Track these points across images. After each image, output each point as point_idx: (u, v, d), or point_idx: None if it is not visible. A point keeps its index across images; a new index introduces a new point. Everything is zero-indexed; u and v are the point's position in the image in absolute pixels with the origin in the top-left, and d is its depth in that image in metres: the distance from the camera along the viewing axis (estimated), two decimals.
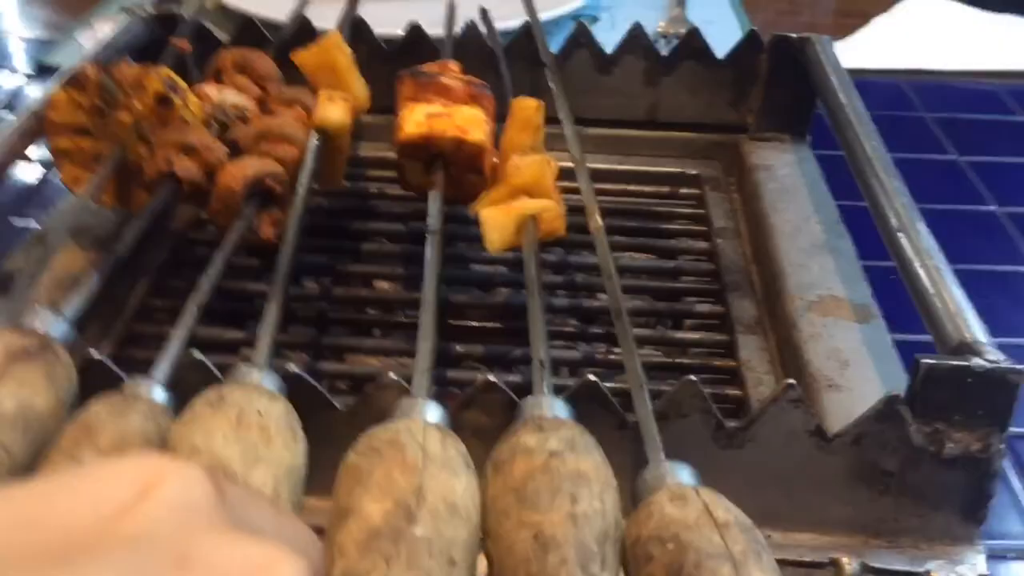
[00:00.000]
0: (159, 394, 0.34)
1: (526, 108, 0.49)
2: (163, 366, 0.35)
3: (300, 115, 0.52)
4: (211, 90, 0.51)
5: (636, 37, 0.64)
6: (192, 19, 0.62)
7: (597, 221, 0.45)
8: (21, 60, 0.86)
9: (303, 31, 0.64)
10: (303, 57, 0.53)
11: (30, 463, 0.31)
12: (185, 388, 0.36)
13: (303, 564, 0.20)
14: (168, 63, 0.56)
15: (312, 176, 0.47)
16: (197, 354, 0.37)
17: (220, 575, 0.19)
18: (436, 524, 0.29)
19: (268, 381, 0.34)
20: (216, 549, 0.19)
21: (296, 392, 0.37)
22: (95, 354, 0.36)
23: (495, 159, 0.51)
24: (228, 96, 0.52)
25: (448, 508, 0.29)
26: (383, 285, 0.56)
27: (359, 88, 0.54)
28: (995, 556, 0.41)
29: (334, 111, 0.50)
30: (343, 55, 0.53)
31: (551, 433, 0.31)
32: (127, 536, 0.19)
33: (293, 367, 0.37)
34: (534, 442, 0.31)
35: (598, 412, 0.37)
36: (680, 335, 0.52)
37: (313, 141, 0.50)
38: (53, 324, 0.35)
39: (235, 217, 0.45)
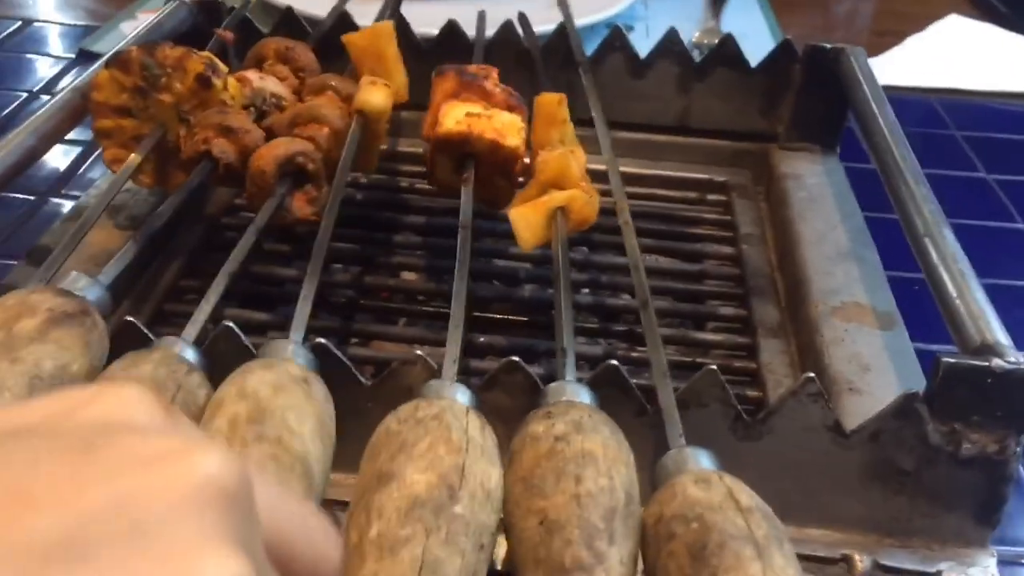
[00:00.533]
0: (186, 350, 0.35)
1: (549, 103, 0.50)
2: (191, 329, 0.36)
3: (332, 98, 0.53)
4: (253, 76, 0.53)
5: (671, 43, 0.65)
6: (237, 10, 0.64)
7: (627, 216, 0.46)
8: (59, 47, 0.88)
9: (342, 25, 0.65)
10: (353, 39, 0.54)
11: None
12: (214, 357, 0.37)
13: (224, 455, 0.19)
14: (213, 51, 0.57)
15: (351, 159, 0.48)
16: (227, 322, 0.38)
17: (126, 458, 0.18)
18: (474, 507, 0.29)
19: (300, 355, 0.35)
20: (131, 441, 0.19)
21: (323, 366, 0.37)
22: (130, 318, 0.37)
23: (527, 161, 0.51)
24: (269, 84, 0.53)
25: (484, 494, 0.30)
26: (410, 276, 0.57)
27: (400, 79, 0.55)
28: (1007, 561, 0.41)
29: (376, 95, 0.51)
30: (391, 45, 0.54)
31: (558, 418, 0.32)
32: (46, 430, 0.19)
33: (322, 340, 0.38)
34: (542, 429, 0.32)
35: (619, 398, 0.38)
36: (702, 336, 0.53)
37: (351, 124, 0.50)
38: (89, 288, 0.36)
39: (269, 197, 0.45)
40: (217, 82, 0.49)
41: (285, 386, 0.32)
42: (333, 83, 0.54)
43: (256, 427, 0.31)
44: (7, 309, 0.33)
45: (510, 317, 0.54)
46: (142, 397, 0.20)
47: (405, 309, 0.55)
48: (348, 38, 0.55)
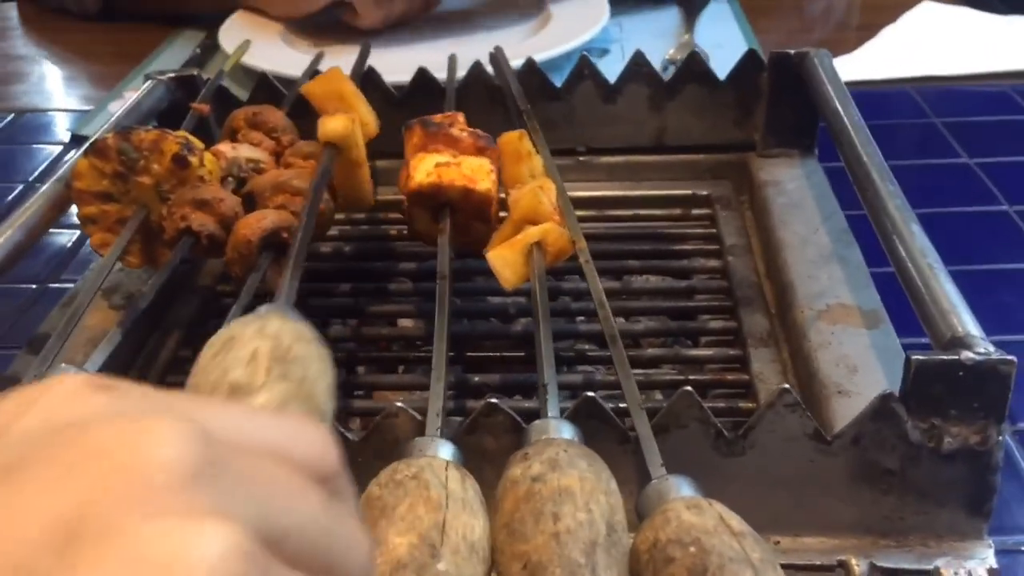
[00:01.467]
0: None
1: (510, 141, 0.51)
2: None
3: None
4: (226, 148, 0.54)
5: (638, 65, 0.66)
6: (210, 82, 0.65)
7: (587, 255, 0.46)
8: (54, 135, 0.90)
9: None
10: (310, 87, 0.56)
11: None
12: None
13: (188, 427, 0.18)
14: (190, 126, 0.59)
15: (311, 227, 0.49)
16: None
17: (73, 462, 0.17)
18: (457, 561, 0.30)
19: None
20: (74, 440, 0.17)
21: None
22: None
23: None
24: (242, 151, 0.54)
25: (468, 547, 0.31)
26: (406, 323, 0.58)
27: (365, 112, 0.56)
28: (1008, 550, 0.41)
29: (333, 122, 0.52)
30: (346, 83, 0.56)
31: (534, 459, 0.33)
32: None
33: None
34: (519, 472, 0.32)
35: (601, 429, 0.38)
36: (694, 352, 0.53)
37: (324, 161, 0.51)
38: None
39: (249, 266, 0.47)
40: (193, 160, 0.50)
41: (306, 337, 0.31)
42: (319, 152, 0.55)
43: (280, 366, 0.29)
44: None
45: (505, 354, 0.55)
46: (76, 387, 0.19)
47: (404, 357, 0.56)
48: (306, 88, 0.56)
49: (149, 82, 0.65)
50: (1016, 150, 0.73)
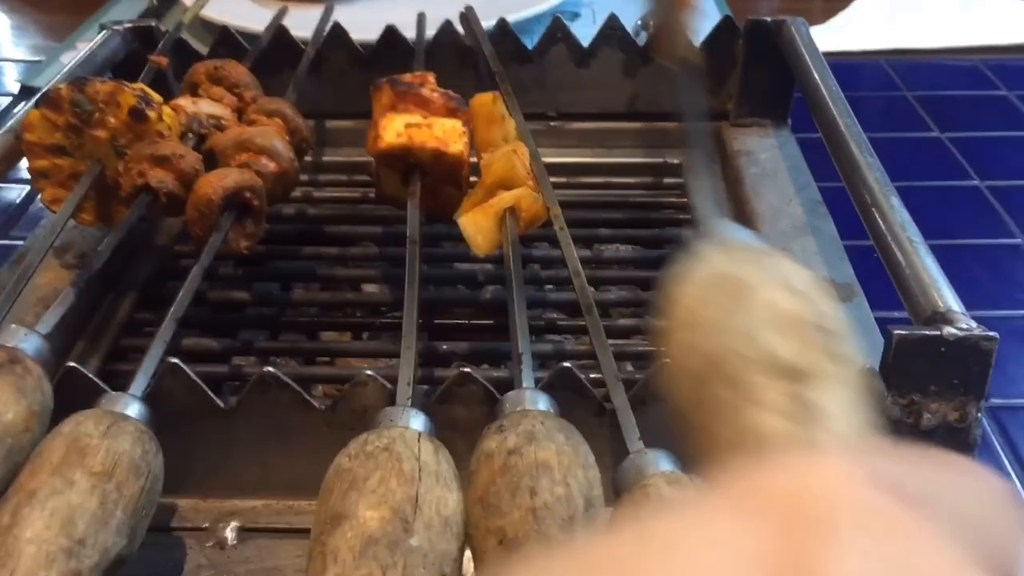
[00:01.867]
0: (138, 410, 0.34)
1: (484, 103, 0.49)
2: (140, 380, 0.36)
3: (280, 127, 0.53)
4: (186, 103, 0.52)
5: (612, 29, 0.65)
6: (169, 34, 0.63)
7: (561, 222, 0.45)
8: (11, 83, 0.87)
9: (280, 40, 0.64)
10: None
11: (5, 476, 0.31)
12: (164, 398, 0.37)
13: None
14: (148, 79, 0.57)
15: None
16: (177, 362, 0.37)
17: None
18: (430, 536, 0.29)
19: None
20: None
21: (274, 393, 0.37)
22: (72, 364, 0.36)
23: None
24: (203, 107, 0.52)
25: (442, 521, 0.30)
26: (371, 288, 0.57)
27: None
28: None
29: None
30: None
31: (510, 431, 0.32)
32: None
33: (269, 368, 0.37)
34: (495, 445, 0.31)
35: (576, 400, 0.37)
36: None
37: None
38: (24, 339, 0.35)
39: (210, 225, 0.45)
40: (151, 114, 0.48)
41: None
42: (287, 111, 0.53)
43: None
44: None
45: (473, 321, 0.54)
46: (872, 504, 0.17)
47: (369, 323, 0.54)
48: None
49: (104, 32, 0.63)
50: (987, 125, 0.74)
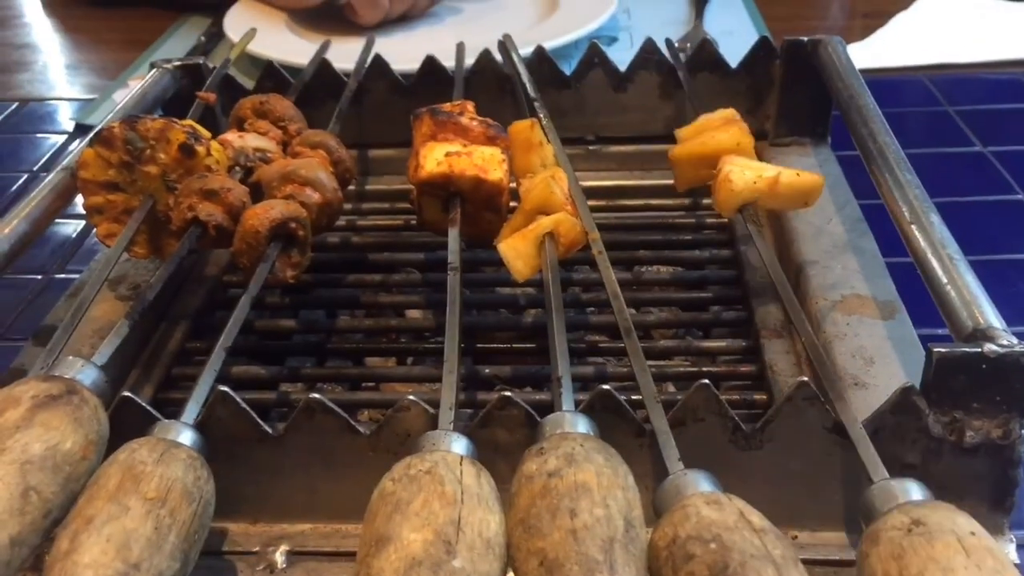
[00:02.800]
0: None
1: (521, 130, 0.50)
2: (192, 408, 0.37)
3: (324, 159, 0.54)
4: (233, 137, 0.53)
5: (649, 52, 0.65)
6: (216, 70, 0.65)
7: (600, 246, 0.45)
8: (58, 124, 0.89)
9: (323, 73, 0.66)
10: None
11: (64, 503, 0.33)
12: (214, 425, 0.38)
13: None
14: (196, 115, 0.58)
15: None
16: (226, 390, 0.38)
17: None
18: (472, 558, 0.29)
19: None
20: None
21: (319, 419, 0.38)
22: (127, 394, 0.38)
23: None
24: (250, 140, 0.53)
25: (484, 543, 0.30)
26: (415, 314, 0.58)
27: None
28: None
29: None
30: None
31: (550, 453, 0.32)
32: None
33: (315, 395, 0.38)
34: (535, 467, 0.32)
35: (616, 422, 0.38)
36: (706, 344, 0.53)
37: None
38: (81, 370, 0.36)
39: (257, 256, 0.46)
40: (200, 149, 0.49)
41: None
42: (331, 143, 0.54)
43: None
44: None
45: (515, 345, 0.54)
46: None
47: (413, 348, 0.55)
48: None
49: (154, 70, 0.64)
50: None
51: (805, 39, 0.62)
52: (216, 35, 1.02)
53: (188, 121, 0.52)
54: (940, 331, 0.48)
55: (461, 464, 0.32)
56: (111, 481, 0.32)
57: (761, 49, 0.64)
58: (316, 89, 0.65)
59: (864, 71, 0.59)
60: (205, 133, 0.51)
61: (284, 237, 0.48)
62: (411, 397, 0.38)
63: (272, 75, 0.66)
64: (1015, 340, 0.36)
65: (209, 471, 0.35)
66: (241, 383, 0.52)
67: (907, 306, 0.48)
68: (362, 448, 0.39)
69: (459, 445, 0.34)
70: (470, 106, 0.54)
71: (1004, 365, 0.35)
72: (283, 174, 0.51)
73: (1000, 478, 0.37)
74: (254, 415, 0.39)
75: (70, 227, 0.70)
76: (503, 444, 0.38)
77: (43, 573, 0.30)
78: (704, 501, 0.31)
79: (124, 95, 0.63)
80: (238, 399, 0.38)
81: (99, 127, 0.51)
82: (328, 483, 0.40)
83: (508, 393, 0.37)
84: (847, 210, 0.57)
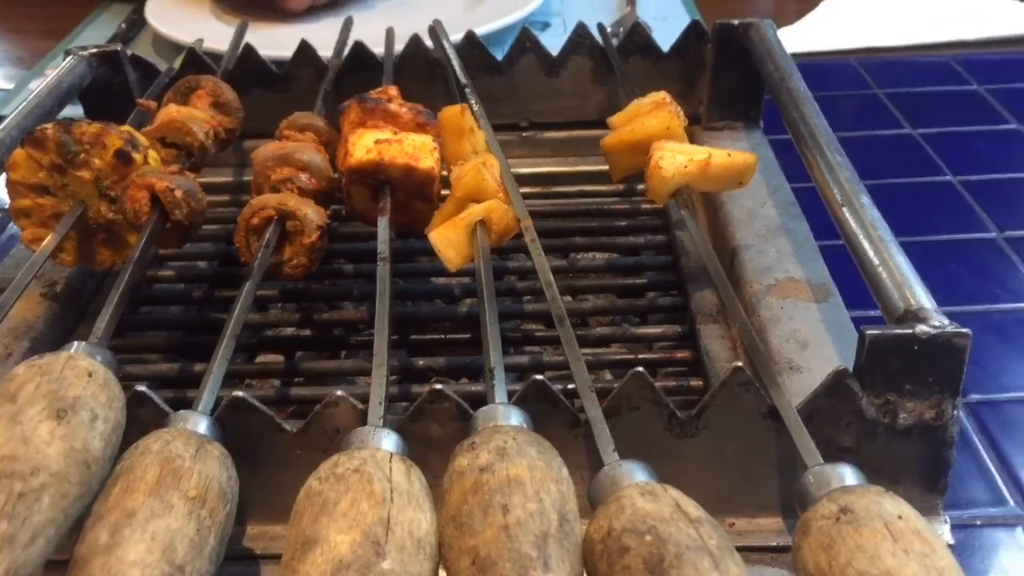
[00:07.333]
0: (217, 432, 0.35)
1: (452, 116, 0.49)
2: (207, 399, 0.36)
3: (317, 143, 0.53)
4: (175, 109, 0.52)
5: (581, 37, 0.65)
6: (135, 57, 0.62)
7: (532, 233, 0.45)
8: None
9: (246, 59, 0.64)
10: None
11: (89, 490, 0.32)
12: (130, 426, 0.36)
13: None
14: (135, 122, 0.56)
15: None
16: (144, 390, 0.37)
17: None
18: (403, 558, 0.28)
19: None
20: None
21: (244, 418, 0.37)
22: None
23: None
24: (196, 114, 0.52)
25: (414, 543, 0.29)
26: (347, 306, 0.56)
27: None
28: (964, 525, 0.41)
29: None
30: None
31: (482, 448, 0.31)
32: None
33: (238, 393, 0.37)
34: (466, 463, 0.31)
35: (550, 412, 0.37)
36: (642, 330, 0.52)
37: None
38: (101, 352, 0.36)
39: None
40: (137, 156, 0.48)
41: None
42: (320, 124, 0.53)
43: None
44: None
45: (451, 336, 0.53)
46: None
47: (346, 340, 0.54)
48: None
49: (70, 58, 0.62)
50: (958, 120, 0.74)
51: (736, 22, 0.62)
52: (137, 22, 0.98)
53: (126, 127, 0.50)
54: (873, 313, 0.48)
55: (391, 461, 0.31)
56: (148, 473, 0.31)
57: (692, 32, 0.64)
58: (241, 74, 0.64)
59: (795, 55, 0.59)
60: (143, 140, 0.49)
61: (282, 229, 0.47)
62: (339, 392, 0.37)
63: (194, 62, 0.64)
64: (946, 321, 0.36)
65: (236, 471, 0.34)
66: (167, 380, 0.50)
67: (840, 288, 0.49)
68: (289, 446, 0.37)
69: (389, 441, 0.33)
70: (393, 91, 0.53)
71: (936, 346, 0.35)
72: (278, 156, 0.50)
73: (934, 459, 0.37)
74: (169, 410, 0.37)
75: None
76: (435, 438, 0.37)
77: (75, 562, 0.29)
78: (639, 492, 0.30)
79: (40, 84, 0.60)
80: (156, 397, 0.37)
81: (6, 121, 0.49)
82: (254, 483, 0.39)
83: (439, 386, 0.36)
84: (780, 193, 0.57)
